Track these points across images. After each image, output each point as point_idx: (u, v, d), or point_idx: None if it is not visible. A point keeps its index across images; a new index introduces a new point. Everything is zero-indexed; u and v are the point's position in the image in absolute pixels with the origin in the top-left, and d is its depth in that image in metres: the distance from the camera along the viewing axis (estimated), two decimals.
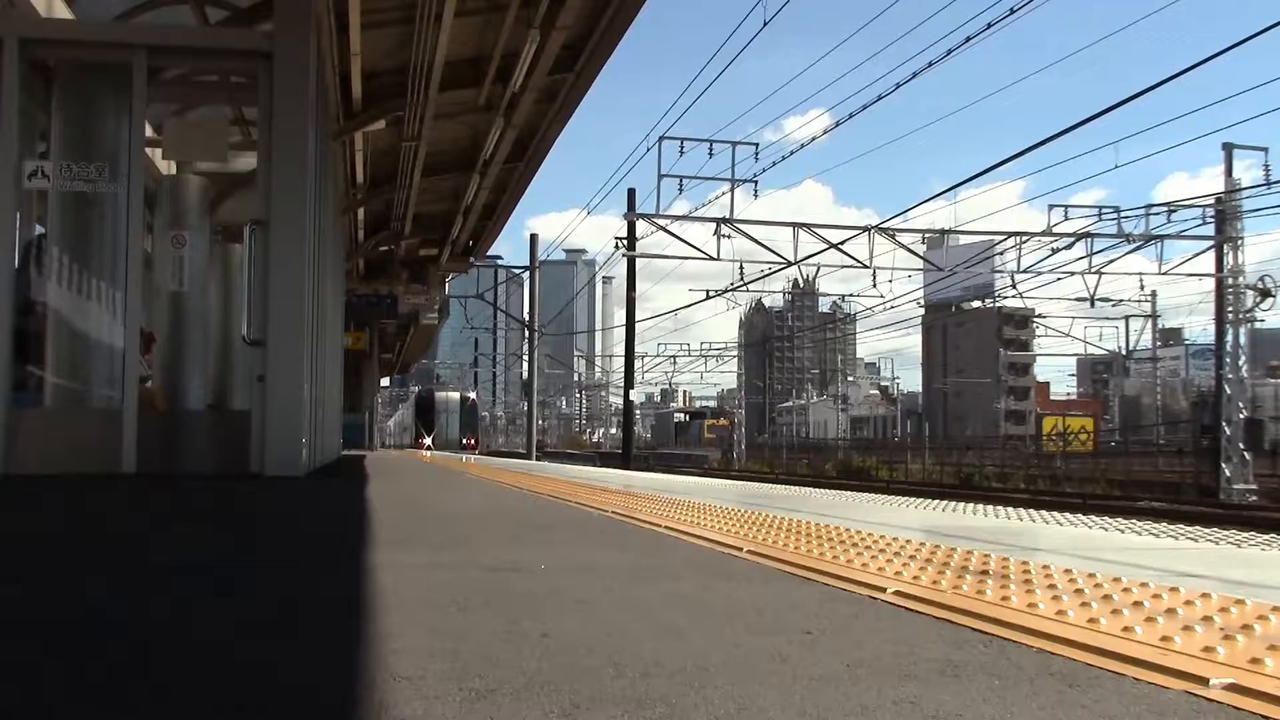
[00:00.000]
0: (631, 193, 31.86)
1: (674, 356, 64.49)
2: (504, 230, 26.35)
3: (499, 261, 41.41)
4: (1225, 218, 25.29)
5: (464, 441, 48.85)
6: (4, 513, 5.21)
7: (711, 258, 24.86)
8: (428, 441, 44.30)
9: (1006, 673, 1.61)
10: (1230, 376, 25.28)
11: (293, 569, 2.98)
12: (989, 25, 16.69)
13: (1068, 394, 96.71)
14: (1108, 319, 47.96)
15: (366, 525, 4.44)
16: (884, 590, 2.36)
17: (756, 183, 24.48)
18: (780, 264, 25.59)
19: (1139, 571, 2.67)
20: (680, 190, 24.13)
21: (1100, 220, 26.19)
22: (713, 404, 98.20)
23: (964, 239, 30.56)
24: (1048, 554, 3.12)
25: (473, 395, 57.01)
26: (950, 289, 44.23)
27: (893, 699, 1.45)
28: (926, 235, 29.73)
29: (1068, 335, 46.83)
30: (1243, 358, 25.79)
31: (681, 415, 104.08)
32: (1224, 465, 24.96)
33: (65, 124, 8.12)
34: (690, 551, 3.29)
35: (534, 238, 41.61)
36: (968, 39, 17.27)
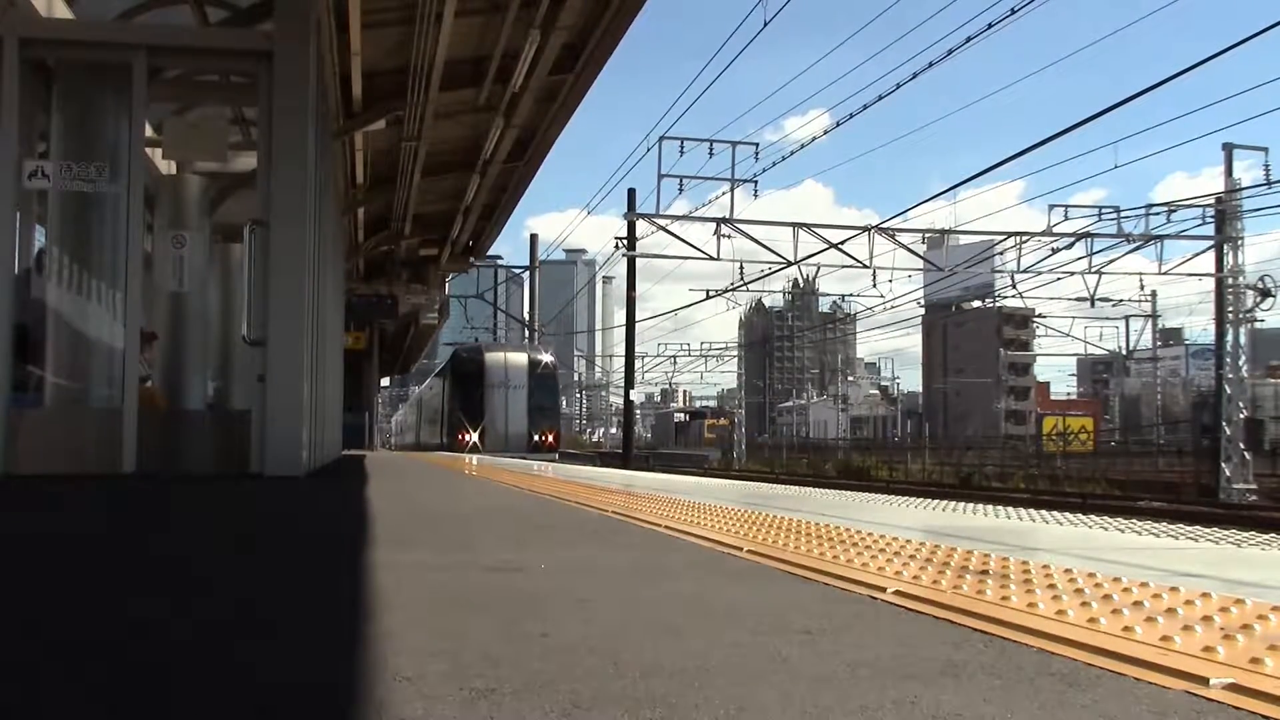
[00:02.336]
0: (631, 193, 31.89)
1: (674, 356, 64.49)
2: (504, 230, 26.36)
3: (499, 261, 41.31)
4: (1225, 218, 25.31)
5: (536, 438, 30.18)
6: (3, 513, 5.22)
7: (711, 258, 24.88)
8: (473, 438, 28.99)
9: (1007, 672, 1.61)
10: (1230, 376, 25.28)
11: (293, 569, 2.97)
12: (989, 25, 16.73)
13: (1068, 394, 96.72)
14: (1108, 319, 47.95)
15: (366, 525, 4.44)
16: (884, 590, 2.35)
17: (756, 183, 24.54)
18: (780, 264, 25.62)
19: (1139, 571, 2.67)
20: (680, 190, 24.17)
21: (1100, 220, 26.23)
22: (713, 404, 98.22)
23: (964, 239, 30.59)
24: (1048, 554, 3.12)
25: (547, 358, 33.33)
26: (950, 289, 44.26)
27: (893, 699, 1.45)
28: (926, 235, 29.78)
29: (1068, 335, 46.83)
30: (1243, 358, 25.80)
31: (681, 415, 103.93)
32: (1224, 465, 24.97)
33: (65, 124, 8.11)
34: (690, 551, 3.29)
35: (534, 238, 41.68)
36: (968, 39, 17.32)
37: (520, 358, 31.71)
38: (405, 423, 48.91)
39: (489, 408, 29.79)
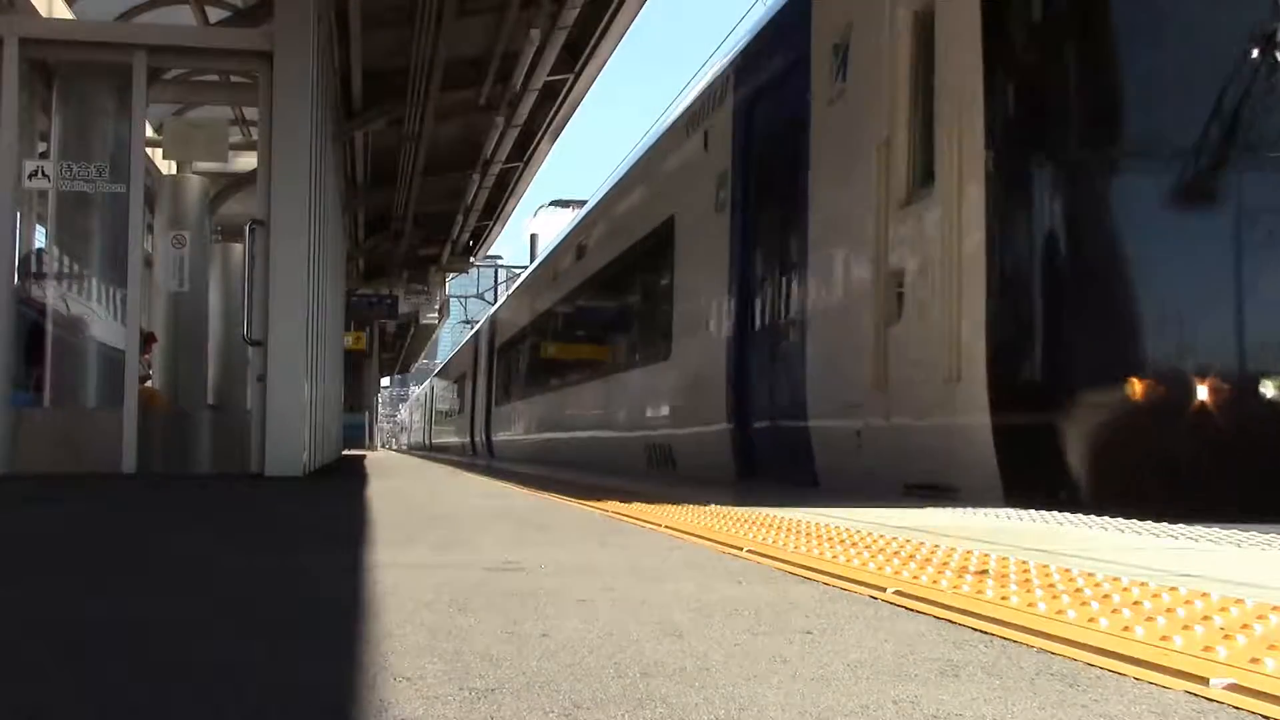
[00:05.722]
0: None
1: None
2: (504, 230, 26.38)
3: (499, 261, 41.28)
4: None
5: None
6: (2, 513, 5.22)
7: None
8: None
9: (1007, 672, 1.61)
10: None
11: (292, 569, 2.97)
12: None
13: None
14: None
15: (366, 525, 4.44)
16: (884, 590, 2.35)
17: None
18: None
19: (1139, 571, 2.67)
20: None
21: None
22: None
23: None
24: (1048, 554, 3.12)
25: None
26: None
27: (893, 699, 1.45)
28: None
29: None
30: None
31: None
32: None
33: (65, 124, 8.12)
34: (690, 551, 3.29)
35: (534, 238, 41.55)
36: None
37: None
38: (442, 399, 29.76)
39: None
